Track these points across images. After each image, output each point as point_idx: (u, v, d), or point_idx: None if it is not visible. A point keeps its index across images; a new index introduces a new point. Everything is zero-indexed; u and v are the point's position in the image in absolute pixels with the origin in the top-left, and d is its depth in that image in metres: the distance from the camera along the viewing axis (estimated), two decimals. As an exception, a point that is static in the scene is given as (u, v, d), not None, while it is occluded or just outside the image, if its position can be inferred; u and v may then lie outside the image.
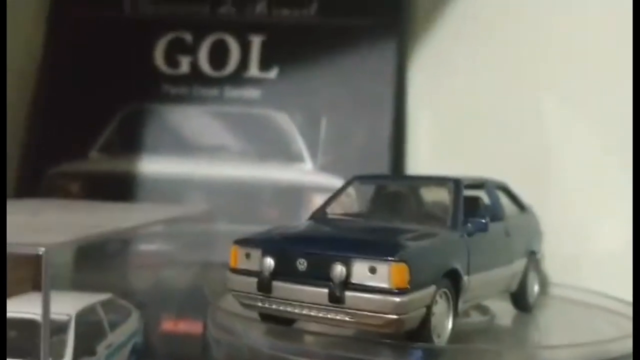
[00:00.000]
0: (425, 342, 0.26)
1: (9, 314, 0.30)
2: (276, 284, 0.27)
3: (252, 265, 0.28)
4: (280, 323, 0.29)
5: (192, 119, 0.55)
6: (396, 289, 0.24)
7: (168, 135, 0.54)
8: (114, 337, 0.36)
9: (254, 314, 0.30)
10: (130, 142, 0.54)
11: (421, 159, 0.54)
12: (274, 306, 0.27)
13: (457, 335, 0.29)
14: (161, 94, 0.55)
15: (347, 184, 0.35)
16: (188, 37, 0.56)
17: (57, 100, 0.56)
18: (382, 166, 0.52)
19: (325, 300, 0.25)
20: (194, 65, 0.55)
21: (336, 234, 0.30)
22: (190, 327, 0.46)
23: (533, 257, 0.35)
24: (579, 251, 0.42)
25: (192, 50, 0.55)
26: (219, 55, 0.55)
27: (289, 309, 0.27)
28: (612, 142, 0.43)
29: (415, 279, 0.25)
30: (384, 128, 0.53)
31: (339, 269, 0.25)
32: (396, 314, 0.24)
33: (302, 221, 0.34)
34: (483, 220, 0.29)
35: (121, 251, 0.42)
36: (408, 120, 0.54)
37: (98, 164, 0.54)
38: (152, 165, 0.54)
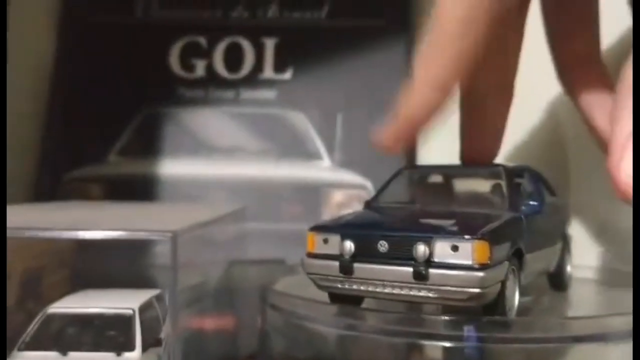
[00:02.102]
0: (500, 315, 0.28)
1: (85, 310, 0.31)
2: (357, 265, 0.29)
3: (331, 250, 0.30)
4: (349, 303, 0.31)
5: (209, 121, 0.56)
6: (478, 264, 0.27)
7: (186, 137, 0.55)
8: (167, 330, 0.37)
9: (321, 298, 0.31)
10: (149, 145, 0.55)
11: (432, 154, 0.56)
12: (354, 286, 0.29)
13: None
14: (178, 97, 0.56)
15: (396, 174, 0.37)
16: (202, 40, 0.57)
17: (73, 106, 0.56)
18: (397, 160, 0.54)
19: (409, 278, 0.27)
20: (210, 68, 0.56)
21: (412, 218, 0.32)
22: (218, 323, 0.47)
23: (566, 239, 0.38)
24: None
25: (207, 54, 0.57)
26: (233, 58, 0.56)
27: (370, 288, 0.29)
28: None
29: (494, 255, 0.27)
30: (398, 124, 0.55)
31: (422, 249, 0.27)
32: (479, 288, 0.27)
33: (354, 211, 0.36)
34: (536, 203, 0.31)
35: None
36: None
37: (117, 167, 0.55)
38: (171, 167, 0.55)
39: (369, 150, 0.55)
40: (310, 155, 0.55)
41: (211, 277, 0.43)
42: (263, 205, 0.53)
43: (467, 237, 0.27)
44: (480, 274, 0.27)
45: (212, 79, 0.56)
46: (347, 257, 0.29)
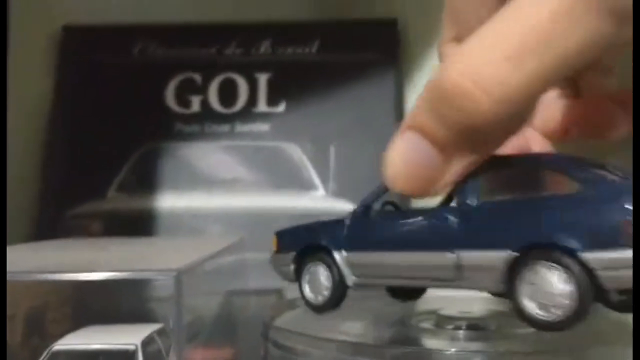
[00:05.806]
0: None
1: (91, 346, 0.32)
2: None
3: None
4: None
5: (206, 155, 0.57)
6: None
7: (183, 172, 0.57)
8: (171, 364, 0.38)
9: (321, 333, 0.32)
10: (147, 180, 0.57)
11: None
12: None
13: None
14: (174, 133, 0.58)
15: None
16: (197, 77, 0.59)
17: (72, 143, 0.58)
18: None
19: None
20: (205, 104, 0.58)
21: None
22: (219, 355, 0.48)
23: None
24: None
25: (202, 90, 0.58)
26: (228, 93, 0.58)
27: None
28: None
29: (281, 246, 0.39)
30: (390, 153, 0.56)
31: None
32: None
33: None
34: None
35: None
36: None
37: (117, 203, 0.56)
38: (170, 201, 0.56)
39: (361, 180, 0.57)
40: (305, 186, 0.56)
41: (213, 309, 0.44)
42: (261, 235, 0.54)
43: None
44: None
45: (207, 114, 0.58)
46: None
